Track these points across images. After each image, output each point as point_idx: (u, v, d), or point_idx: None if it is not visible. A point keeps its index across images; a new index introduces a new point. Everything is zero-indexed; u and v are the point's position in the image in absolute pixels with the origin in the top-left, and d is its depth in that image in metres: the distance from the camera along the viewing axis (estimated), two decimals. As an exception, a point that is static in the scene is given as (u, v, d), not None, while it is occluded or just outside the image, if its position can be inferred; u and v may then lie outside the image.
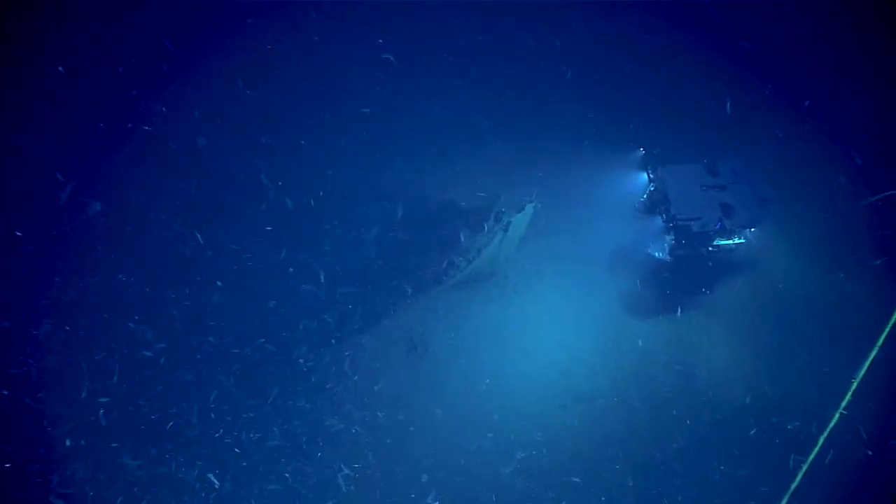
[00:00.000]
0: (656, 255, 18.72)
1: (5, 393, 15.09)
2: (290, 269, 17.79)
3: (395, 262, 18.53)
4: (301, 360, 17.07)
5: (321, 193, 18.65)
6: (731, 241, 18.02)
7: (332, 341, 17.47)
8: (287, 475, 15.82)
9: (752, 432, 16.58)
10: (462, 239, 18.51)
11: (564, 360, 17.85)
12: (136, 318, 16.48)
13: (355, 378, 17.14)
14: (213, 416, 16.08)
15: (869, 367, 16.10)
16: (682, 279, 18.35)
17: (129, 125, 17.96)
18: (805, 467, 15.63)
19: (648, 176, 18.65)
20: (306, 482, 15.82)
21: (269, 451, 16.09)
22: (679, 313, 18.15)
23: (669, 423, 16.91)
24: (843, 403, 16.02)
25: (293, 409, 16.53)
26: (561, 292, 18.56)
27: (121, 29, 17.80)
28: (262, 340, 16.99)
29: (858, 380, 16.08)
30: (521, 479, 16.17)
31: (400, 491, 15.98)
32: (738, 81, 19.54)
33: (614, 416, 17.00)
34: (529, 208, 18.27)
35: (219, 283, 17.25)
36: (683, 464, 16.36)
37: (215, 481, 15.52)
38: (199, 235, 17.42)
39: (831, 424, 15.88)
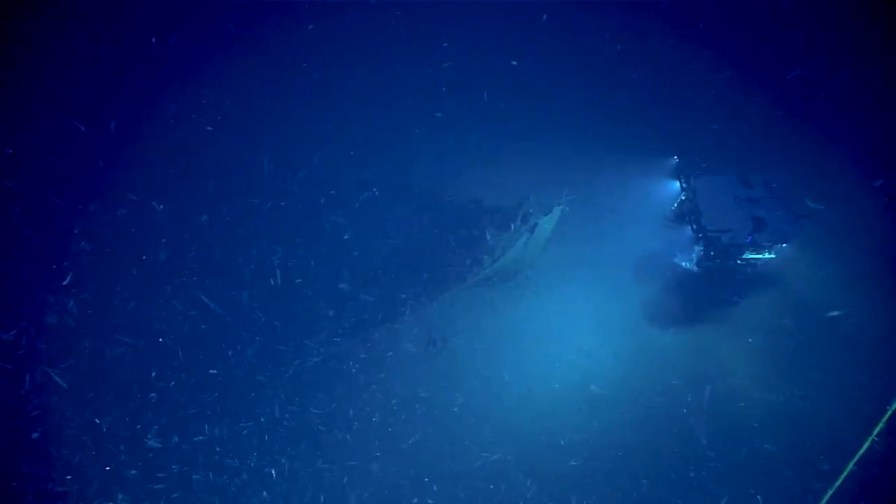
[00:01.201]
0: (683, 265, 18.43)
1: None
2: (312, 262, 17.96)
3: (420, 257, 18.57)
4: (321, 353, 17.16)
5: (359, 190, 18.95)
6: (761, 256, 17.64)
7: (354, 333, 17.52)
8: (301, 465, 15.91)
9: (772, 451, 16.00)
10: (488, 237, 18.47)
11: (584, 365, 17.57)
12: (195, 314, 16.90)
13: (375, 370, 17.14)
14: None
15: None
16: (709, 291, 17.98)
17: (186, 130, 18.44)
18: (831, 492, 14.94)
19: (681, 185, 18.45)
20: (323, 474, 15.87)
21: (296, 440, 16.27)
22: (703, 326, 17.76)
23: (687, 436, 16.42)
24: (876, 430, 15.34)
25: (312, 402, 16.61)
26: (584, 297, 18.37)
27: (135, 29, 18.15)
28: (291, 335, 17.21)
29: (894, 408, 15.42)
30: (531, 479, 15.84)
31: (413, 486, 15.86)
32: (780, 96, 19.30)
33: (631, 425, 16.60)
34: (557, 211, 18.15)
35: (271, 281, 17.48)
36: (699, 478, 15.83)
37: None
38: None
39: (861, 451, 15.16)
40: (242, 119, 18.87)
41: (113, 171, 17.59)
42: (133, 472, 15.12)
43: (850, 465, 14.99)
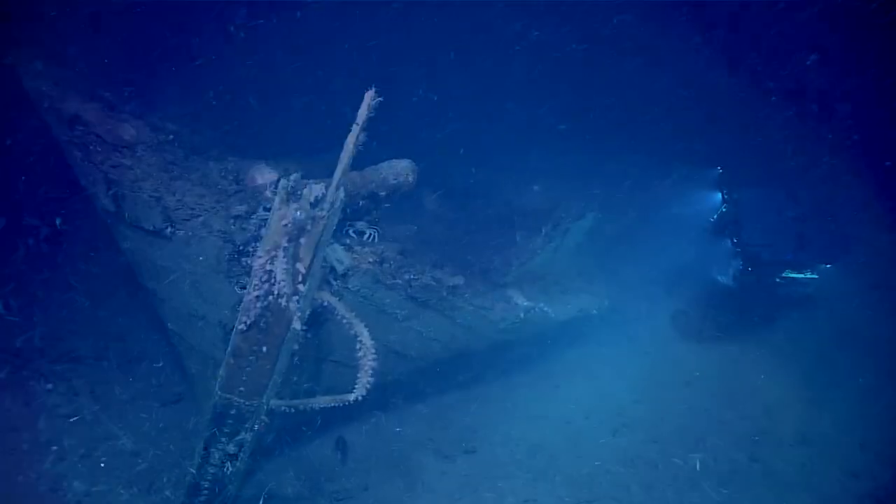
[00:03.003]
0: (719, 279, 17.78)
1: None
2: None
3: (445, 255, 18.22)
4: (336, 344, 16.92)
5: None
6: (802, 276, 16.91)
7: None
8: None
9: (800, 479, 15.09)
10: (518, 240, 18.03)
11: (606, 377, 17.00)
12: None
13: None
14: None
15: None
16: (745, 308, 17.28)
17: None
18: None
19: (722, 196, 17.83)
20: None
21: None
22: (736, 345, 17.08)
23: (710, 458, 15.63)
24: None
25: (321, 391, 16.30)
26: (611, 306, 17.74)
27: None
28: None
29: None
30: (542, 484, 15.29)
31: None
32: (834, 111, 18.43)
33: (651, 442, 15.89)
34: (590, 216, 17.65)
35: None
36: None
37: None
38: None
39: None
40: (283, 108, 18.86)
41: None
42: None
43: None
